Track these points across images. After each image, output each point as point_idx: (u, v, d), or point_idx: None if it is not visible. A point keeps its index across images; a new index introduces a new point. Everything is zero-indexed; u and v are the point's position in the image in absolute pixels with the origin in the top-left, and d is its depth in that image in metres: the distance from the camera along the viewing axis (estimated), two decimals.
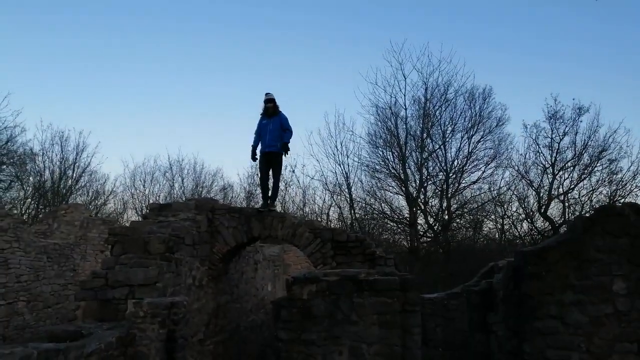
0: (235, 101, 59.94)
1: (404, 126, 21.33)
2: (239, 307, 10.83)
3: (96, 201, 27.30)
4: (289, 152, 8.80)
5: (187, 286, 7.57)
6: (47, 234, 13.56)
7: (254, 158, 9.16)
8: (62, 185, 25.67)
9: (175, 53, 59.27)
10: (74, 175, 26.56)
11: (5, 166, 22.81)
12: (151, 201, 26.37)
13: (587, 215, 9.44)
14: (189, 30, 59.08)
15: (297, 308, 5.47)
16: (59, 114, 52.71)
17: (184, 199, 20.92)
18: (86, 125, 54.34)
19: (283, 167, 9.65)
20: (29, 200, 24.63)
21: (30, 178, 24.87)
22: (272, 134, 8.63)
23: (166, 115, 56.15)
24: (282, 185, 26.75)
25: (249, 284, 11.93)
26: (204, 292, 8.47)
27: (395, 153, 21.43)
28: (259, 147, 9.00)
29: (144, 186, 28.88)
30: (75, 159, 26.70)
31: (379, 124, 22.17)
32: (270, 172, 9.01)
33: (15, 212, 20.85)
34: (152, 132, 54.68)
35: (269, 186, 8.96)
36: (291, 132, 8.80)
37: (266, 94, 8.87)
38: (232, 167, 58.24)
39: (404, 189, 20.98)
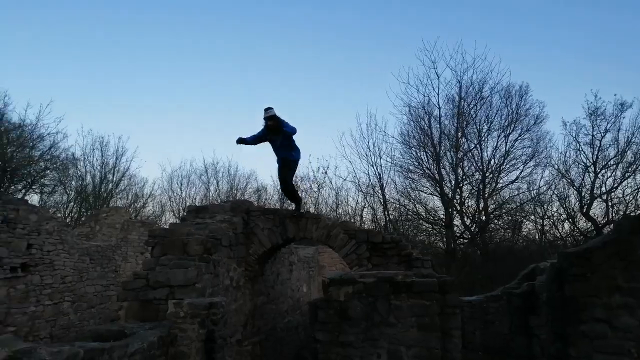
0: (268, 102, 60.47)
1: (438, 125, 21.00)
2: (275, 308, 10.90)
3: (135, 204, 28.10)
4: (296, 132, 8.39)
5: (224, 287, 7.67)
6: (90, 236, 14.02)
7: (240, 141, 8.37)
8: (102, 189, 26.53)
9: (209, 55, 60.47)
10: (114, 179, 27.43)
11: (49, 171, 23.75)
12: (188, 204, 26.98)
13: (634, 214, 9.04)
14: (220, 31, 60.16)
15: (334, 309, 5.45)
16: (98, 120, 54.58)
17: (219, 201, 21.27)
18: (125, 131, 55.96)
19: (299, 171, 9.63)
20: (72, 203, 25.55)
21: (73, 182, 25.83)
22: (283, 148, 8.36)
23: (201, 119, 57.33)
24: (315, 187, 27.02)
25: (285, 285, 11.99)
26: (241, 293, 8.57)
27: (429, 153, 21.12)
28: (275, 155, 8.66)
29: (180, 189, 29.57)
30: (115, 163, 27.59)
31: (412, 123, 21.93)
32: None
33: (59, 215, 21.65)
34: (188, 136, 55.93)
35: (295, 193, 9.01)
36: (294, 131, 8.23)
37: (265, 110, 8.12)
38: (266, 169, 58.81)
39: (439, 189, 20.64)
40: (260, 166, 57.97)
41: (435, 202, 21.82)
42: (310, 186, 26.80)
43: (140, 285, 6.29)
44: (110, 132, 47.56)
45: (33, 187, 23.05)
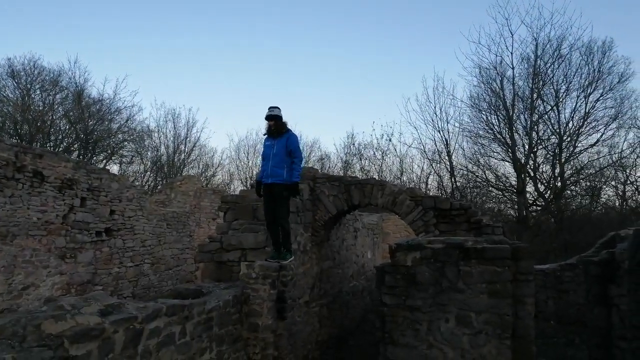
0: (331, 71, 60.14)
1: (511, 87, 19.93)
2: (341, 272, 11.10)
3: (206, 173, 29.34)
4: (298, 195, 6.82)
5: (292, 251, 7.88)
6: (166, 204, 14.85)
7: (259, 193, 6.69)
8: (176, 159, 27.88)
9: (272, 25, 60.64)
10: (186, 149, 28.70)
11: (127, 143, 25.28)
12: (254, 172, 27.78)
13: None
14: (286, 4, 59.95)
15: (401, 274, 5.44)
16: (170, 93, 56.89)
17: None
18: (194, 103, 57.98)
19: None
20: (148, 173, 27.16)
21: (149, 153, 27.36)
22: (276, 159, 6.36)
23: (265, 89, 58.11)
24: (378, 155, 26.72)
25: (350, 251, 12.14)
26: (308, 257, 8.78)
27: (501, 116, 20.16)
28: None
29: (247, 158, 30.46)
30: (187, 134, 28.82)
31: (483, 86, 20.99)
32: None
33: (137, 184, 23.08)
34: (253, 107, 57.03)
35: (278, 237, 6.45)
36: (300, 159, 6.54)
37: (269, 109, 6.59)
38: (329, 137, 58.95)
39: (510, 154, 19.74)
40: (324, 134, 58.15)
41: (507, 168, 20.98)
42: (374, 153, 26.61)
43: (215, 248, 6.61)
44: (181, 104, 49.57)
45: (113, 157, 24.70)
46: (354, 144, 28.32)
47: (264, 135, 6.72)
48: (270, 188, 6.38)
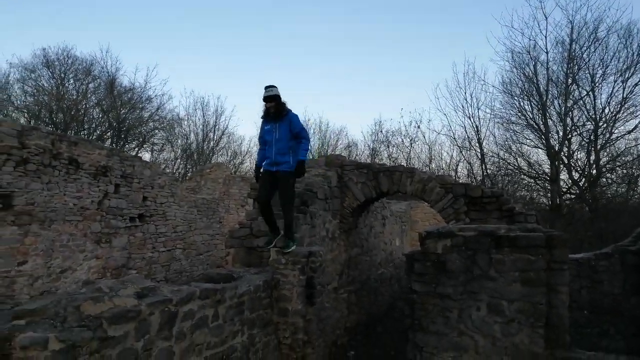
0: (357, 58, 59.61)
1: (545, 72, 19.30)
2: (369, 260, 11.09)
3: (234, 160, 29.66)
4: (304, 174, 6.10)
5: (321, 238, 7.92)
6: (196, 190, 15.11)
7: (257, 179, 6.13)
8: (205, 147, 28.26)
9: (296, 15, 60.35)
10: (215, 137, 29.04)
11: (157, 131, 25.75)
12: None
13: None
14: None
15: (431, 262, 5.40)
16: (198, 81, 57.49)
17: (310, 157, 21.73)
18: (222, 91, 58.46)
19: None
20: (178, 160, 27.62)
21: (179, 141, 27.80)
22: (279, 145, 5.76)
23: (291, 76, 58.07)
24: (407, 142, 26.43)
25: (378, 239, 12.11)
26: (336, 244, 8.80)
27: (534, 102, 19.59)
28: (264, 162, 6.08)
29: None
30: (215, 122, 29.13)
31: (515, 70, 20.41)
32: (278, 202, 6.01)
33: (168, 171, 23.54)
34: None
35: (274, 220, 6.03)
36: (308, 139, 5.88)
37: (266, 88, 5.81)
38: (356, 124, 58.59)
39: (544, 141, 19.21)
40: (351, 122, 57.84)
41: (540, 155, 20.52)
42: (402, 141, 26.34)
43: (245, 234, 6.69)
44: (210, 92, 50.04)
45: (144, 145, 25.22)
46: (381, 131, 28.12)
47: (262, 118, 5.99)
48: (274, 176, 5.81)
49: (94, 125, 23.17)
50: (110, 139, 22.80)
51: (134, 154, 19.50)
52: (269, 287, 5.58)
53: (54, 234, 8.52)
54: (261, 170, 6.01)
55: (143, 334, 3.43)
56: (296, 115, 5.86)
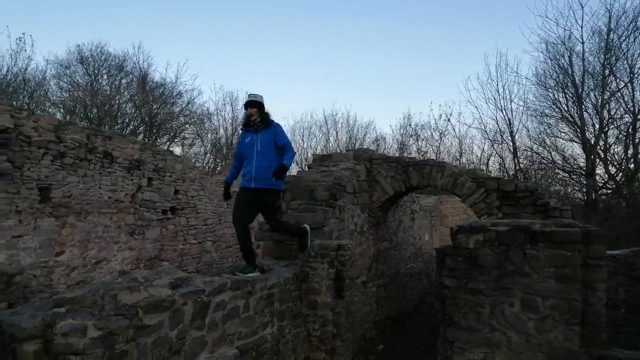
0: (384, 51, 59.05)
1: (581, 63, 18.60)
2: (398, 254, 11.02)
3: None
4: (284, 177, 5.17)
5: (350, 231, 7.91)
6: None
7: (226, 196, 5.71)
8: (233, 141, 28.56)
9: (326, 9, 60.15)
10: None
11: (188, 125, 26.17)
12: (309, 154, 27.99)
13: None
14: None
15: (463, 257, 5.31)
16: (227, 76, 58.12)
17: (338, 151, 21.72)
18: (251, 86, 58.95)
19: None
20: (208, 154, 28.02)
21: (208, 135, 28.19)
22: (261, 159, 5.12)
23: (319, 72, 58.01)
24: (436, 136, 26.04)
25: (407, 233, 12.01)
26: (365, 237, 8.77)
27: (569, 94, 18.96)
28: (241, 179, 5.45)
29: (302, 140, 30.71)
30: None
31: (550, 62, 19.74)
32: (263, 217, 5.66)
33: (198, 165, 23.90)
34: (307, 89, 57.18)
35: (250, 246, 5.31)
36: (293, 152, 5.23)
37: (249, 95, 5.33)
38: (384, 118, 58.11)
39: (579, 134, 18.60)
40: (379, 116, 57.42)
41: (575, 149, 19.82)
42: (432, 134, 26.00)
43: None
44: (239, 87, 50.52)
45: (175, 140, 25.67)
46: (410, 125, 27.81)
47: (241, 128, 5.51)
48: (256, 194, 5.16)
49: (127, 120, 23.71)
50: (142, 134, 23.30)
51: (165, 148, 19.86)
52: (298, 280, 5.61)
53: (89, 225, 8.77)
54: (231, 188, 5.46)
55: (177, 323, 3.50)
56: (280, 126, 5.29)
